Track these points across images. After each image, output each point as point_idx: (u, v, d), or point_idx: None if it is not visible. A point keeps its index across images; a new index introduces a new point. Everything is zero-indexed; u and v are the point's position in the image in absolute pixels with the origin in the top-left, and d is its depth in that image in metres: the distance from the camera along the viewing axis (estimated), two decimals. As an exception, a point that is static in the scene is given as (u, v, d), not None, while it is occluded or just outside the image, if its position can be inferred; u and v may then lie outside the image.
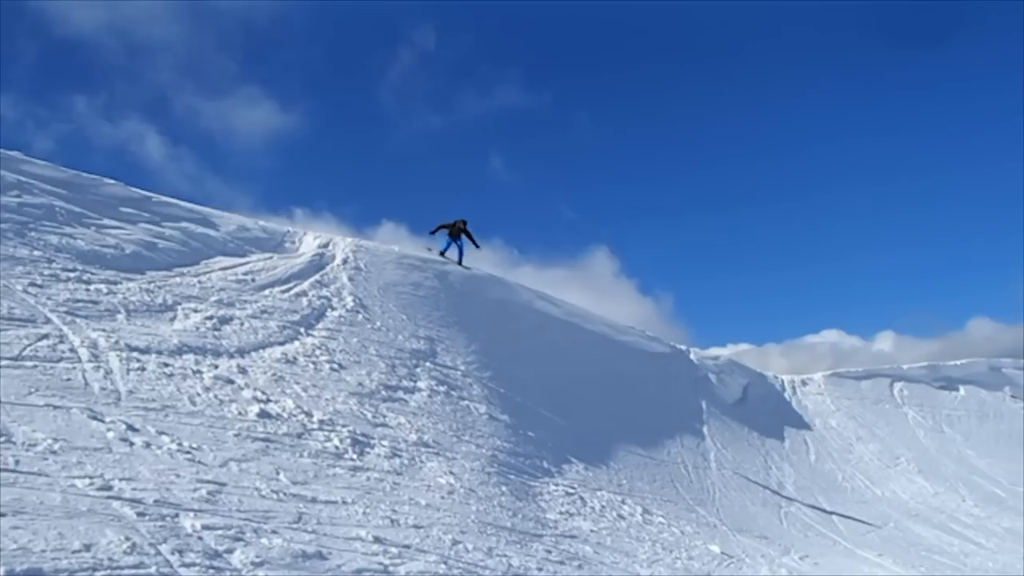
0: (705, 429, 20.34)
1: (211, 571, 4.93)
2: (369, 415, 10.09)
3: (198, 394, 8.22)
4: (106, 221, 12.11)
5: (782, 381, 28.07)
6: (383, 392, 11.17)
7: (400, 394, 11.50)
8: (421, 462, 9.44)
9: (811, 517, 17.12)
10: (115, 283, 10.27)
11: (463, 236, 18.64)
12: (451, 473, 9.54)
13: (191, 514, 5.57)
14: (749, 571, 11.41)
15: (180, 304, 10.59)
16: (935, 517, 19.85)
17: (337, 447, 8.57)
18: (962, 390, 31.75)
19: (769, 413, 24.37)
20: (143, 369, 8.15)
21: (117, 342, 8.50)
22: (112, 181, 13.38)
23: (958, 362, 33.64)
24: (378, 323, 13.79)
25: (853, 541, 15.91)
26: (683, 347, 24.98)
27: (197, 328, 10.07)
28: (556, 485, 11.66)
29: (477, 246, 19.00)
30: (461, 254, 18.80)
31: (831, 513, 18.00)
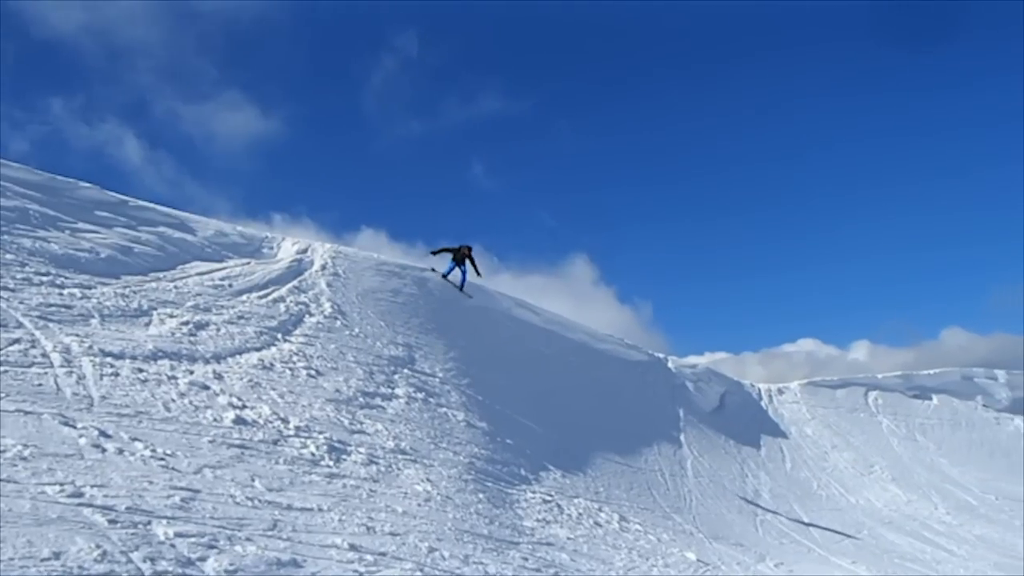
0: (682, 437, 20.45)
1: (184, 579, 4.89)
2: (346, 422, 10.04)
3: (173, 400, 8.14)
4: (81, 225, 11.98)
5: (759, 389, 28.28)
6: (360, 399, 11.13)
7: (378, 401, 11.46)
8: (398, 469, 9.40)
9: (786, 524, 17.24)
10: (89, 288, 10.16)
11: (467, 262, 18.20)
12: (428, 480, 9.52)
13: (164, 521, 5.51)
14: (725, 579, 11.47)
15: (156, 309, 10.49)
16: (908, 524, 20.05)
17: (313, 454, 8.52)
18: (935, 399, 32.16)
19: (746, 421, 24.54)
20: (117, 375, 8.07)
21: (90, 347, 8.41)
22: (88, 184, 13.25)
23: (931, 371, 34.08)
24: (356, 329, 13.74)
25: (827, 548, 16.03)
26: (661, 355, 25.10)
27: (173, 333, 9.98)
28: (533, 492, 11.66)
29: (479, 274, 18.61)
30: (464, 281, 18.40)
31: (808, 525, 18.14)
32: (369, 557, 6.49)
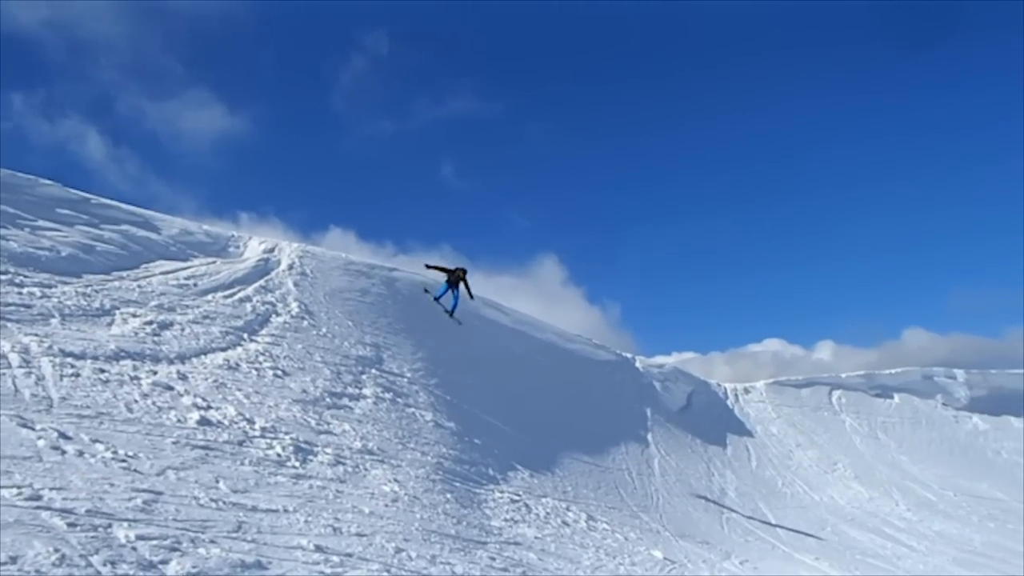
0: (650, 436, 20.60)
1: (145, 582, 4.82)
2: (313, 422, 9.97)
3: (135, 401, 8.02)
4: (41, 222, 11.74)
5: (725, 389, 28.58)
6: (327, 399, 11.06)
7: (345, 401, 11.40)
8: (365, 470, 9.36)
9: (752, 522, 17.45)
10: (50, 287, 9.97)
11: (460, 285, 17.62)
12: (395, 480, 9.49)
13: (125, 524, 5.43)
14: (690, 576, 11.58)
15: (118, 308, 10.33)
16: (870, 521, 20.39)
17: (279, 455, 8.45)
18: (897, 398, 32.74)
19: (712, 420, 24.79)
20: (77, 375, 7.93)
21: (50, 347, 8.26)
22: (49, 182, 12.99)
23: (893, 371, 34.69)
24: (324, 329, 13.65)
25: (791, 545, 16.25)
26: (629, 355, 25.26)
27: (136, 333, 9.83)
28: (501, 492, 11.68)
29: (472, 296, 18.02)
30: (455, 306, 17.73)
31: (774, 526, 18.37)
32: (335, 558, 6.45)
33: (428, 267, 18.11)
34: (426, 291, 18.07)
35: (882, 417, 30.70)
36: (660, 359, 30.32)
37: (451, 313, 17.67)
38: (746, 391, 29.09)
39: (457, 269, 17.63)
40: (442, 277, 17.62)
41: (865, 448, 27.46)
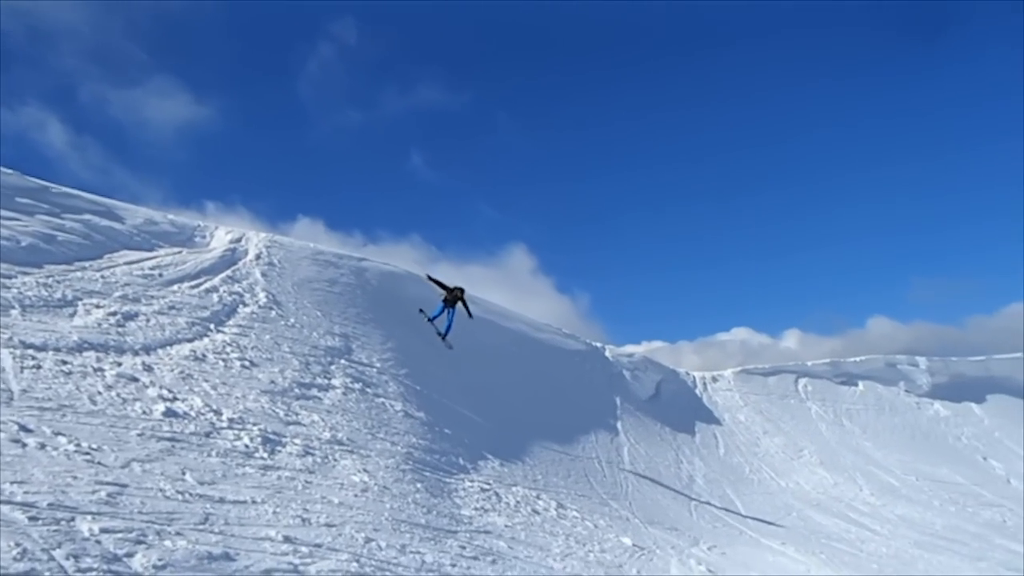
0: (619, 425, 20.75)
1: (109, 575, 4.76)
2: (281, 413, 9.90)
3: (99, 393, 7.90)
4: (0, 212, 11.48)
5: (694, 378, 28.87)
6: (296, 390, 10.98)
7: (314, 392, 11.32)
8: (334, 460, 9.32)
9: (720, 509, 17.67)
10: (9, 277, 9.76)
11: (458, 305, 17.14)
12: (365, 471, 9.46)
13: (88, 517, 5.36)
14: (659, 562, 11.70)
15: (81, 299, 10.15)
16: (834, 506, 20.76)
17: (247, 446, 8.38)
18: (861, 385, 33.31)
19: (681, 409, 25.04)
20: (39, 367, 7.78)
21: (11, 339, 8.09)
22: (8, 170, 12.69)
23: (857, 359, 35.27)
24: (292, 320, 13.54)
25: (758, 531, 16.50)
26: (599, 345, 25.40)
27: (99, 324, 9.67)
28: (472, 482, 11.70)
29: (471, 315, 17.59)
30: (449, 328, 17.24)
31: (741, 512, 18.62)
32: (304, 549, 6.42)
33: (430, 278, 17.77)
34: (421, 311, 17.62)
35: (847, 404, 31.23)
36: (630, 348, 30.55)
37: (443, 336, 17.24)
38: (714, 380, 29.40)
39: (455, 289, 17.22)
40: (435, 299, 17.28)
41: (830, 435, 27.92)
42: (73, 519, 5.26)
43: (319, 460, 9.06)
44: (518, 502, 11.82)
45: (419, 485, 10.13)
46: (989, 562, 17.25)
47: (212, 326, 11.58)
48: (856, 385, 33.22)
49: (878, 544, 17.57)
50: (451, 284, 17.43)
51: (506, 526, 10.39)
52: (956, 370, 36.87)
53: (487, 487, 11.80)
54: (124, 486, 6.13)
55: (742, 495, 19.63)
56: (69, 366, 8.17)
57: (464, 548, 8.65)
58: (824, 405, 30.37)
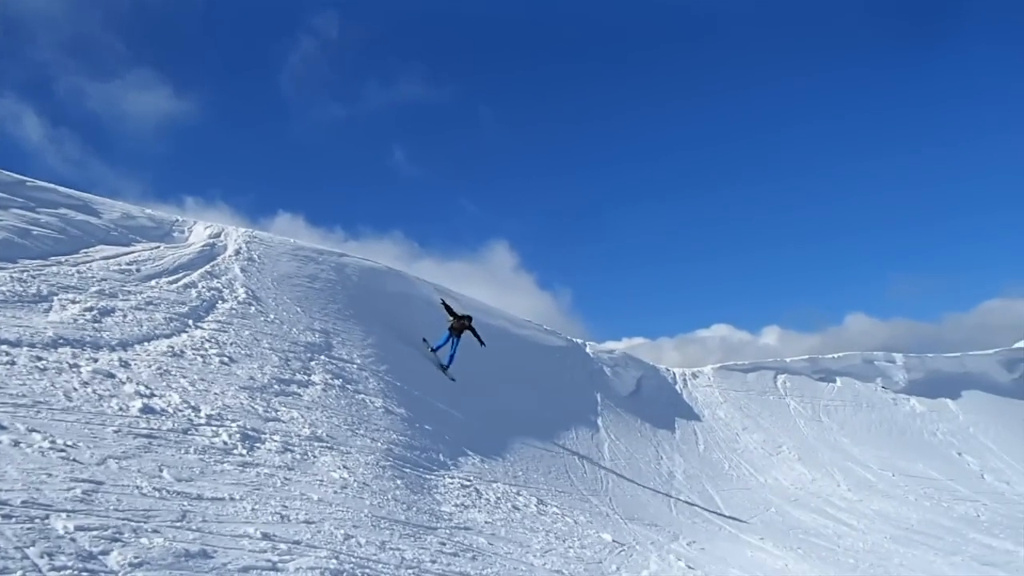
0: (600, 421, 20.82)
1: (84, 573, 4.72)
2: (260, 409, 9.84)
3: (75, 389, 7.80)
4: (-27, 205, 11.32)
5: (674, 374, 29.00)
6: (275, 386, 10.91)
7: (293, 388, 11.26)
8: (314, 456, 9.28)
9: (699, 504, 17.79)
10: (-17, 271, 9.62)
11: (464, 334, 16.81)
12: (345, 467, 9.42)
13: (63, 515, 5.30)
14: (639, 558, 11.76)
15: (56, 295, 10.02)
16: (812, 502, 20.96)
17: (226, 442, 8.32)
18: (839, 381, 33.62)
19: (661, 405, 25.16)
20: (13, 363, 7.68)
21: (-16, 334, 7.98)
22: (-19, 163, 12.50)
23: (835, 355, 35.61)
24: (271, 315, 13.45)
25: (737, 526, 16.63)
26: (579, 341, 25.45)
27: (75, 320, 9.55)
28: (452, 478, 11.69)
29: (482, 343, 17.15)
30: (451, 360, 16.85)
31: (720, 506, 18.74)
32: (283, 546, 6.39)
33: (442, 302, 17.61)
34: (424, 340, 17.44)
35: (825, 400, 31.52)
36: (610, 345, 30.64)
37: (445, 368, 16.95)
38: (694, 376, 29.57)
39: (463, 317, 16.98)
40: (422, 306, 17.04)
41: (808, 430, 28.17)
42: (47, 517, 5.20)
43: (298, 457, 9.01)
44: (498, 498, 11.83)
45: (399, 482, 10.11)
46: (963, 556, 17.51)
47: (190, 322, 11.48)
48: (834, 381, 33.53)
49: (855, 539, 17.77)
50: (459, 313, 17.21)
51: (486, 522, 10.40)
52: (932, 366, 37.32)
53: (467, 483, 11.80)
54: (100, 483, 6.07)
55: (721, 491, 19.77)
56: (44, 362, 8.07)
57: (444, 544, 8.65)
58: (803, 401, 30.63)
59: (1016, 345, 50.07)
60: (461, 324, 17.05)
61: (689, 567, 11.99)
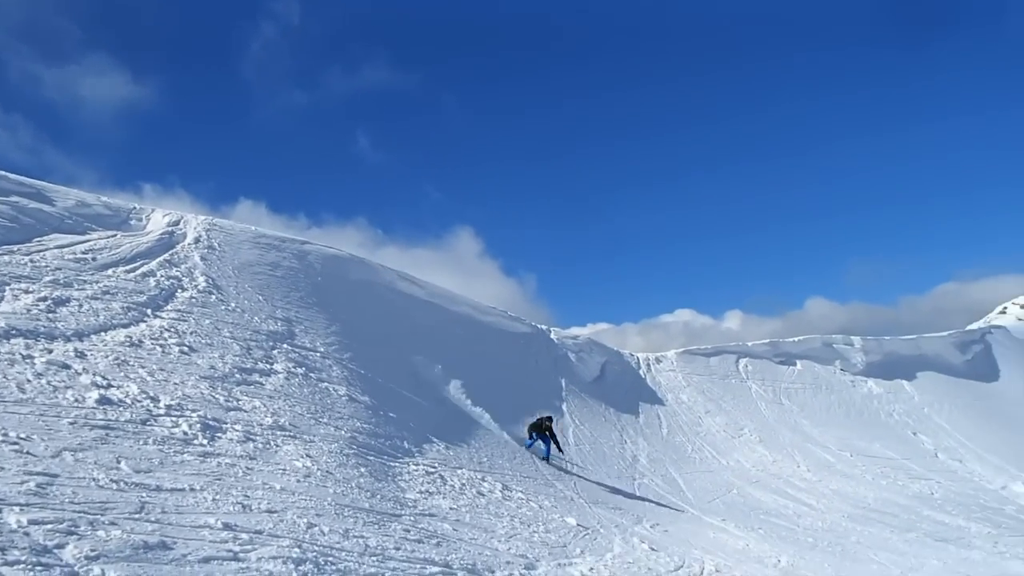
0: (564, 406, 20.95)
1: (39, 568, 4.65)
2: (221, 399, 9.74)
3: (28, 381, 7.66)
4: (-81, 193, 11.00)
5: (638, 359, 29.24)
6: (237, 375, 10.80)
7: (255, 377, 11.16)
8: (276, 446, 9.21)
9: (662, 487, 18.01)
10: (-70, 261, 9.37)
11: (548, 435, 16.71)
12: (308, 456, 9.38)
13: (16, 509, 5.21)
14: (603, 540, 11.88)
15: (8, 285, 9.80)
16: (773, 483, 21.33)
17: (186, 433, 8.22)
18: (799, 364, 34.20)
19: (625, 390, 25.37)
20: (-37, 355, 7.51)
21: (-68, 326, 7.78)
22: (-73, 149, 12.15)
23: (796, 339, 36.20)
24: (232, 304, 13.29)
25: (700, 508, 16.87)
26: (544, 327, 25.54)
27: (28, 310, 9.35)
28: (416, 465, 11.69)
29: (560, 450, 16.94)
30: (548, 451, 16.62)
31: (687, 499, 18.99)
32: (244, 536, 6.35)
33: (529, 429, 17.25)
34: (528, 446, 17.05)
35: (785, 383, 32.04)
36: (575, 330, 30.82)
37: (547, 459, 16.61)
38: (657, 360, 29.84)
39: (542, 419, 16.95)
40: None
41: (769, 413, 28.64)
42: (0, 511, 5.10)
43: (260, 446, 8.94)
44: (463, 484, 11.87)
45: (363, 469, 10.09)
46: (917, 532, 17.96)
47: (149, 311, 11.30)
48: (794, 365, 34.09)
49: (814, 518, 18.13)
50: (535, 418, 17.15)
51: (451, 508, 10.42)
52: (889, 349, 38.13)
53: (432, 470, 11.81)
54: (55, 476, 5.97)
55: (684, 474, 20.03)
56: (-4, 353, 7.89)
57: (408, 531, 8.66)
58: (764, 384, 31.11)
59: (969, 327, 51.35)
60: (543, 426, 16.87)
61: (652, 549, 12.13)
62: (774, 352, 34.19)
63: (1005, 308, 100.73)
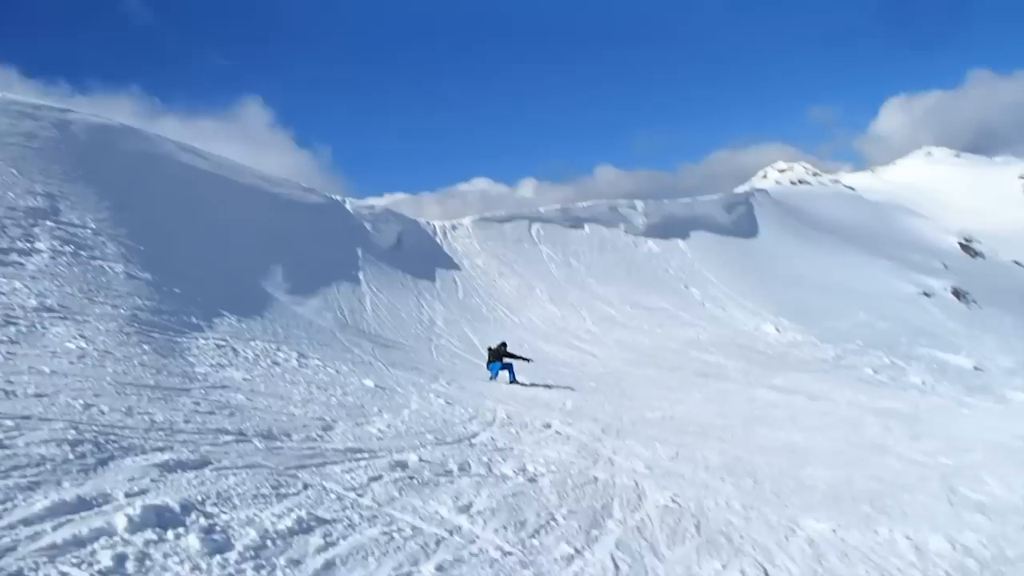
0: (361, 275, 21.07)
1: None
2: (-27, 282, 8.93)
3: None
4: None
5: (434, 227, 29.73)
6: (-10, 256, 9.88)
7: (14, 257, 10.27)
8: (44, 328, 8.67)
9: (459, 347, 18.89)
10: None
11: (507, 359, 16.45)
12: (82, 337, 8.92)
13: None
14: (400, 399, 12.40)
15: None
16: (562, 336, 23.00)
17: (-68, 320, 7.53)
18: (587, 228, 36.30)
19: (422, 257, 25.86)
20: None
21: None
22: None
23: (584, 204, 38.23)
24: (-22, 178, 11.94)
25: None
26: (339, 198, 25.16)
27: None
28: (206, 339, 11.46)
29: (528, 359, 17.06)
30: (512, 373, 16.38)
31: (480, 356, 19.97)
32: (9, 422, 6.05)
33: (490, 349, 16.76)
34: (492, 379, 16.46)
35: (574, 246, 33.99)
36: (372, 201, 30.64)
37: (515, 383, 16.19)
38: (454, 228, 30.49)
39: (499, 347, 16.68)
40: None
41: (559, 273, 30.43)
42: None
43: (24, 329, 8.38)
44: (257, 355, 11.82)
45: (146, 347, 9.76)
46: (684, 371, 20.29)
47: None
48: (583, 228, 36.12)
49: (597, 365, 19.90)
50: (494, 346, 16.84)
51: (244, 379, 10.40)
52: (667, 211, 41.27)
53: (223, 343, 11.63)
54: None
55: (479, 332, 21.06)
56: None
57: (199, 404, 8.59)
58: (554, 247, 32.81)
59: (735, 191, 56.43)
60: (499, 352, 16.63)
61: (448, 403, 12.84)
62: (564, 217, 35.95)
63: (766, 173, 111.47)
